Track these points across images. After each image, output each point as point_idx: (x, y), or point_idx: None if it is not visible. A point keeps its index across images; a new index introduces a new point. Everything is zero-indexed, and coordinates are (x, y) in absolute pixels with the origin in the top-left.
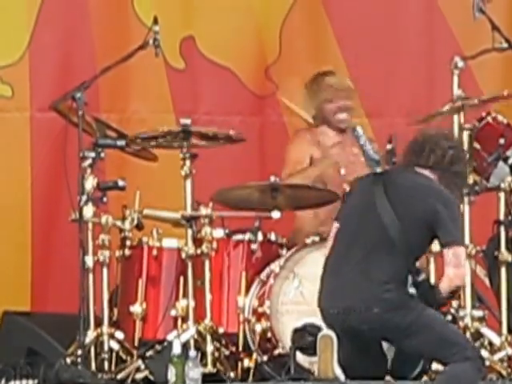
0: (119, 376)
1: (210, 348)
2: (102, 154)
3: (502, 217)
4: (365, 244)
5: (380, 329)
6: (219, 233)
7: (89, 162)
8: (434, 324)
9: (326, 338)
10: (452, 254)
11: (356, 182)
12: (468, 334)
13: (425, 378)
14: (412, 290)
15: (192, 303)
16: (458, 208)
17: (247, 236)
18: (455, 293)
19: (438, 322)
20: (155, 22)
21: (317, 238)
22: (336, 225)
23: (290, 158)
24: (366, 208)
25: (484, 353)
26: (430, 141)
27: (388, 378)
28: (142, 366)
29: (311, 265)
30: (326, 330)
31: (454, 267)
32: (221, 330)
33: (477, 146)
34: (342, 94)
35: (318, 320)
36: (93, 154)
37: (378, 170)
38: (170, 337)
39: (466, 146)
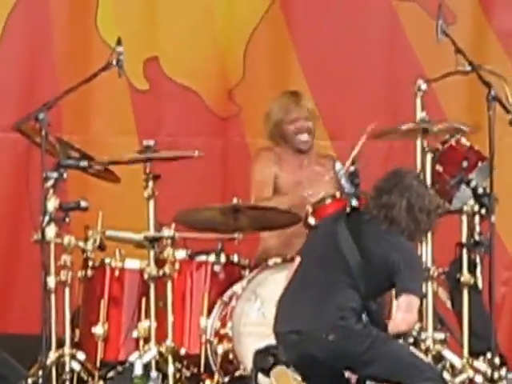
0: None
1: (171, 369)
2: (65, 175)
3: (464, 239)
4: (325, 276)
5: (337, 357)
6: (182, 254)
7: (51, 182)
8: (390, 349)
9: (281, 374)
10: (404, 301)
11: (323, 220)
12: (430, 357)
13: None
14: (364, 318)
15: (154, 324)
16: (421, 262)
17: (210, 257)
18: (400, 337)
19: (394, 347)
20: (119, 42)
21: (279, 260)
22: (298, 259)
23: (255, 179)
24: (330, 243)
25: (445, 375)
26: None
27: None
28: None
29: (273, 286)
30: (279, 367)
31: (404, 312)
32: (182, 351)
33: (440, 168)
34: (303, 115)
35: None
36: (55, 175)
37: (354, 202)
38: (131, 358)
39: (429, 169)
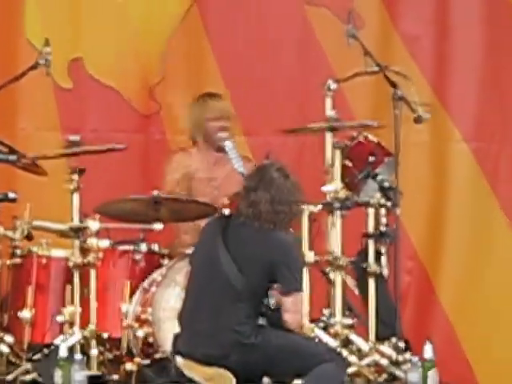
0: (8, 378)
1: (94, 352)
2: None
3: (370, 230)
4: (212, 294)
5: (245, 372)
6: (105, 243)
7: None
8: (291, 349)
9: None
10: (291, 302)
11: (206, 225)
12: (338, 341)
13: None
14: (262, 321)
15: (78, 309)
16: (298, 253)
17: (132, 247)
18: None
19: (294, 344)
20: (47, 43)
21: None
22: (189, 268)
23: (166, 179)
24: (210, 257)
25: (353, 358)
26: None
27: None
28: (31, 369)
29: None
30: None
31: (291, 313)
32: (105, 335)
33: (348, 163)
34: (225, 115)
35: None
36: None
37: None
38: (57, 341)
39: (338, 164)
